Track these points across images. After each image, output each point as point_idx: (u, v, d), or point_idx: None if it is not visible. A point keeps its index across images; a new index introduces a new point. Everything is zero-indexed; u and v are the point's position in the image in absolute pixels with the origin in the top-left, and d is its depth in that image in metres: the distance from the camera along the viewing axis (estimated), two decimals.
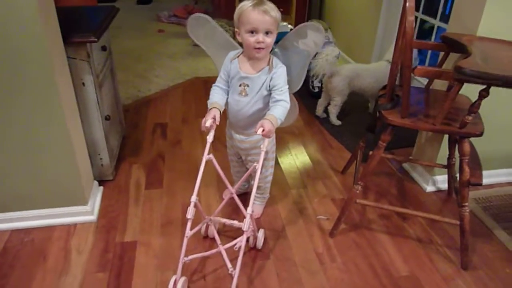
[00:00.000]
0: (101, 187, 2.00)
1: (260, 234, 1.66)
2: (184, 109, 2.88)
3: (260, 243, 1.66)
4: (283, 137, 2.56)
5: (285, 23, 3.41)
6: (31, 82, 1.45)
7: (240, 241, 1.39)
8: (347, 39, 3.83)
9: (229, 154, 1.80)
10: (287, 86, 1.49)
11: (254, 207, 1.83)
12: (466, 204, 1.55)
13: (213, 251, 1.51)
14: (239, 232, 1.67)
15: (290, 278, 1.56)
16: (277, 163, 2.28)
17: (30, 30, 1.36)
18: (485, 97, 1.34)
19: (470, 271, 1.62)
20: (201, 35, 1.65)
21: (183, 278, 1.42)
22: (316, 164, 2.30)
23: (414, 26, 1.30)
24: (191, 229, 1.41)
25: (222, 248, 1.45)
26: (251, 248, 1.67)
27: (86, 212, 1.80)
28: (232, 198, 1.52)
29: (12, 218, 1.74)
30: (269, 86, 1.48)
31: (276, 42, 1.52)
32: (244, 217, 1.35)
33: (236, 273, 1.36)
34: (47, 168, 1.64)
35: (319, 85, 2.94)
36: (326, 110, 2.76)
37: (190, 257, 1.44)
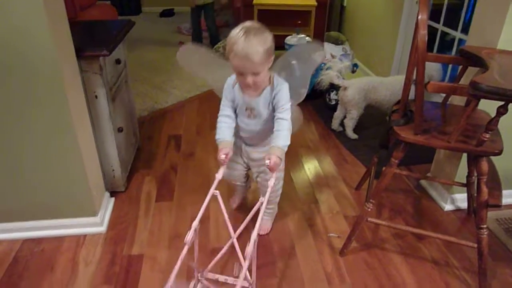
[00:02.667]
0: (113, 198, 2.02)
1: None
2: (199, 121, 2.89)
3: None
4: (297, 151, 2.52)
5: (303, 35, 3.40)
6: (41, 94, 1.48)
7: None
8: (366, 52, 3.77)
9: (232, 164, 1.68)
10: (289, 104, 1.45)
11: (263, 222, 1.79)
12: (484, 226, 1.47)
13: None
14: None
15: None
16: (289, 177, 2.24)
17: (40, 43, 1.39)
18: (503, 114, 1.27)
19: None
20: (195, 66, 1.64)
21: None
22: (330, 179, 2.25)
23: (426, 39, 1.25)
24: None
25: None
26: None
27: (96, 224, 1.81)
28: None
29: (24, 228, 1.76)
30: (272, 103, 1.45)
31: None
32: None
33: None
34: (57, 178, 1.67)
35: (336, 97, 2.90)
36: (342, 124, 2.71)
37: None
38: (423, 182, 2.19)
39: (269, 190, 1.33)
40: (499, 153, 1.37)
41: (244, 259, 1.13)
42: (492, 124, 1.30)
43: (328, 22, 4.32)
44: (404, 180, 2.24)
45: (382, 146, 1.72)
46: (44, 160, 1.62)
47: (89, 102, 1.80)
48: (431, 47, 2.81)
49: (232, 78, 1.48)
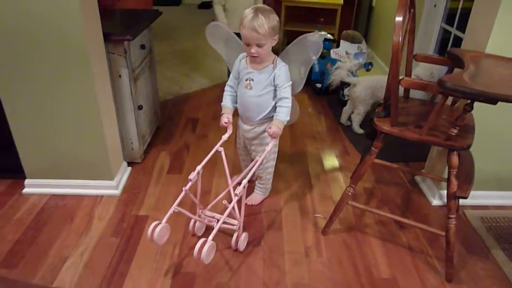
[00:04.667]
0: (129, 168, 2.28)
1: (243, 236, 1.73)
2: (217, 107, 3.07)
3: (242, 244, 1.73)
4: (303, 140, 2.68)
5: (324, 33, 3.53)
6: (70, 70, 1.74)
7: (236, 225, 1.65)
8: (387, 52, 3.84)
9: (238, 143, 2.02)
10: (289, 83, 1.71)
11: (254, 195, 2.01)
12: (453, 216, 1.58)
13: (205, 220, 1.76)
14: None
15: (274, 264, 1.69)
16: (290, 162, 2.41)
17: (71, 27, 1.65)
18: (468, 111, 1.39)
19: (454, 284, 1.64)
20: (218, 42, 1.87)
21: (165, 224, 1.55)
22: (328, 168, 2.40)
23: (400, 39, 1.38)
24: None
25: (217, 224, 1.56)
26: (234, 250, 1.75)
27: (112, 187, 2.07)
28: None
29: (53, 185, 2.05)
30: (274, 84, 1.70)
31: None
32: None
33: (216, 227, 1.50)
34: (80, 144, 1.94)
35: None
36: (350, 119, 2.84)
37: (179, 209, 1.57)
38: (417, 178, 2.29)
39: (266, 152, 1.68)
40: (466, 148, 1.48)
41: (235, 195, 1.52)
42: (458, 120, 1.42)
43: (355, 21, 4.41)
44: (399, 175, 2.35)
45: (369, 137, 1.86)
46: (70, 128, 1.89)
47: (113, 81, 2.06)
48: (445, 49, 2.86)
49: (243, 54, 1.75)
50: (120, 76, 2.05)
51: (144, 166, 2.34)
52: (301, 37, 1.75)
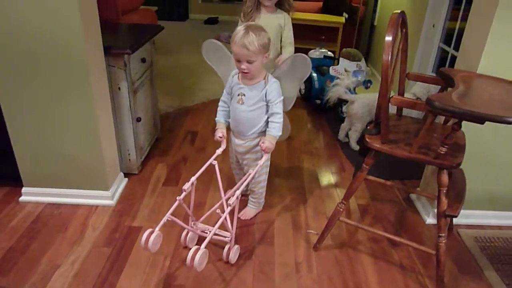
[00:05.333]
0: (126, 179, 2.30)
1: (235, 248, 1.74)
2: None
3: (234, 257, 1.74)
4: (300, 156, 2.70)
5: (324, 50, 3.58)
6: (70, 81, 1.79)
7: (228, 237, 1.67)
8: None
9: (230, 157, 2.05)
10: (281, 98, 1.75)
11: (247, 210, 2.02)
12: (443, 234, 1.58)
13: (198, 230, 1.75)
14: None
15: (264, 279, 1.69)
16: (285, 176, 2.42)
17: (73, 42, 1.70)
18: (457, 130, 1.40)
19: None
20: (213, 58, 1.92)
21: (158, 232, 1.53)
22: (324, 184, 2.41)
23: (389, 58, 1.41)
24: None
25: (210, 233, 1.56)
26: (225, 262, 1.76)
27: (107, 197, 2.09)
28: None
29: (49, 193, 2.08)
30: (265, 100, 1.73)
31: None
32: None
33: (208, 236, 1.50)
34: (78, 155, 1.97)
35: None
36: (348, 135, 2.85)
37: (173, 218, 1.56)
38: (412, 196, 2.29)
39: (258, 166, 1.72)
40: (456, 167, 1.49)
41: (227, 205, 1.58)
42: (447, 139, 1.43)
43: (357, 39, 4.46)
44: (394, 192, 2.35)
45: (361, 153, 1.87)
46: (68, 137, 1.93)
47: (113, 93, 2.10)
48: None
49: (236, 70, 1.78)
50: (119, 88, 2.10)
51: (141, 177, 2.36)
52: (293, 55, 1.78)
